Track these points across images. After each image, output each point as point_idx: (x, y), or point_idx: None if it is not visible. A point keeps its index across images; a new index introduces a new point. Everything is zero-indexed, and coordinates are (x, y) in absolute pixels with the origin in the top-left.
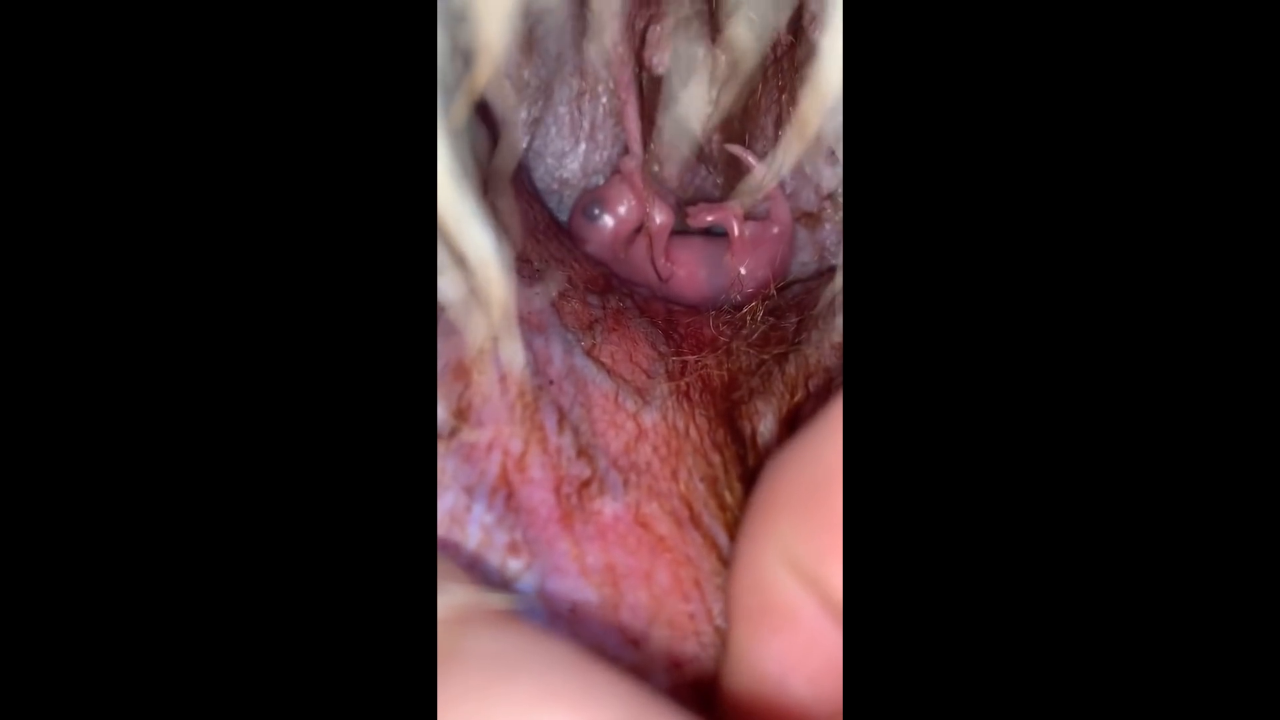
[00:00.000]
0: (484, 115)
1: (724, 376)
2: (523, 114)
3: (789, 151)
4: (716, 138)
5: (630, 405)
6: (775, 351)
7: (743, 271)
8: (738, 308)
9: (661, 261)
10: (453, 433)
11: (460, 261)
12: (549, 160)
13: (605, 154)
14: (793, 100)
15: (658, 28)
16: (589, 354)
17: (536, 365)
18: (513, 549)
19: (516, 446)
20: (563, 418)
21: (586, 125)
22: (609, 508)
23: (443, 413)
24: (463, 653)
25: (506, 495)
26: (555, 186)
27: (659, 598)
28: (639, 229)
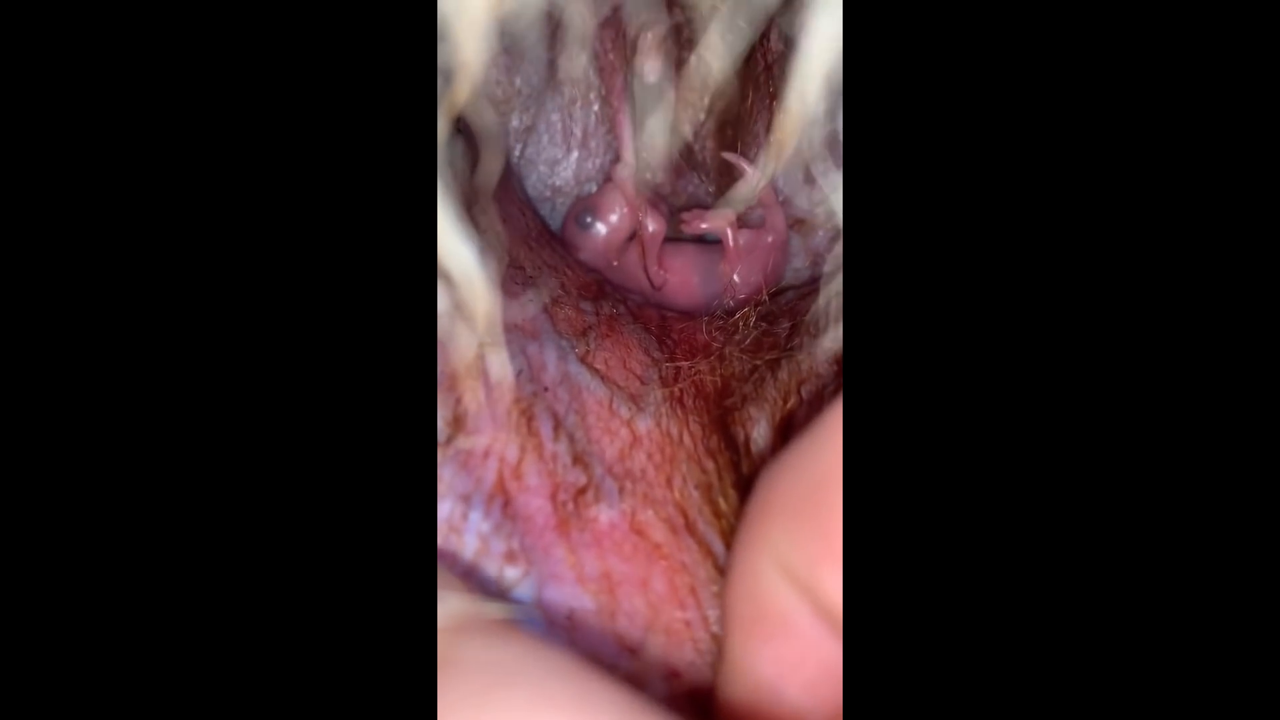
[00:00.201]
0: (466, 131)
1: (717, 382)
2: (514, 122)
3: (767, 168)
4: (709, 144)
5: (624, 412)
6: (768, 357)
7: (736, 279)
8: (730, 313)
9: (654, 269)
10: (448, 440)
11: (444, 276)
12: (541, 168)
13: (598, 161)
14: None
15: (649, 35)
16: (583, 361)
17: (531, 372)
18: (510, 557)
19: (513, 454)
20: (558, 425)
21: (579, 133)
22: (605, 515)
23: (438, 421)
24: (460, 661)
25: (503, 503)
26: (548, 194)
27: (655, 605)
28: (632, 236)
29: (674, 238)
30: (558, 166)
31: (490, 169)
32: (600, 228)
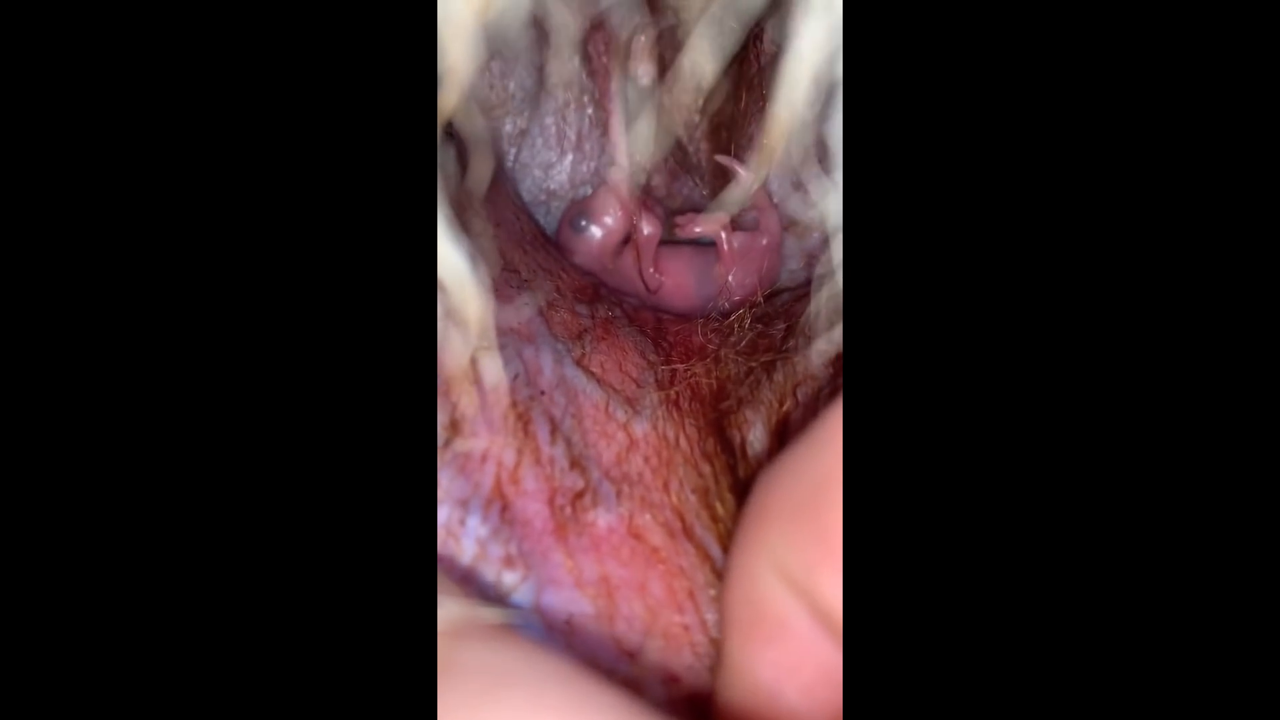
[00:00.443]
0: (456, 136)
1: (713, 385)
2: (508, 126)
3: (758, 172)
4: (703, 146)
5: (621, 415)
6: (763, 359)
7: (731, 281)
8: (726, 316)
9: (650, 272)
10: (446, 444)
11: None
12: (536, 172)
13: (592, 165)
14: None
15: (641, 39)
16: (579, 364)
17: (527, 376)
18: (508, 562)
19: (510, 458)
20: (555, 428)
21: (573, 136)
22: (602, 519)
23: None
24: (458, 667)
25: (501, 508)
26: (543, 198)
27: (653, 609)
28: (627, 239)
29: (669, 240)
30: (552, 170)
31: (480, 174)
32: (595, 231)
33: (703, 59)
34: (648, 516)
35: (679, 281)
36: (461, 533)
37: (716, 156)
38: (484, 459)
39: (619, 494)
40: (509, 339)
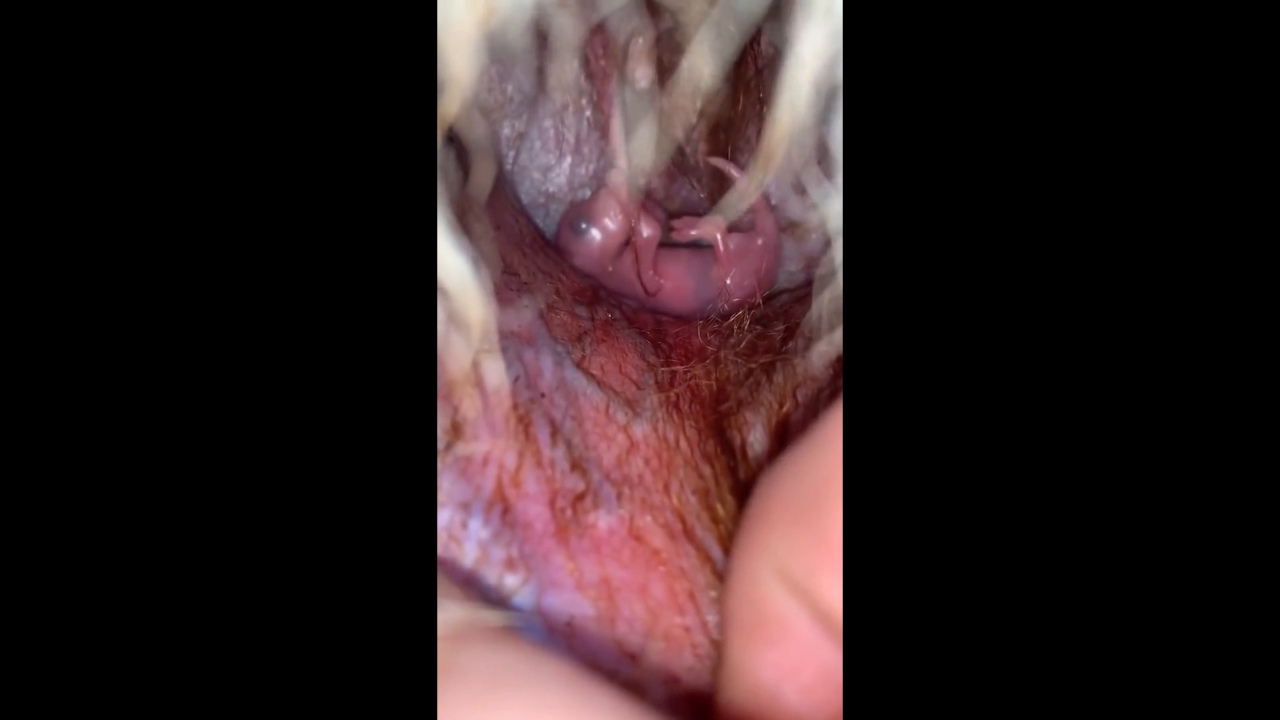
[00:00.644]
0: (458, 142)
1: (712, 386)
2: (506, 129)
3: (757, 178)
4: (701, 149)
5: (621, 417)
6: (762, 360)
7: (729, 283)
8: (725, 317)
9: (649, 274)
10: (447, 447)
11: (438, 287)
12: (535, 174)
13: (591, 167)
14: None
15: (639, 41)
16: (579, 366)
17: (528, 378)
18: (509, 565)
19: (511, 461)
20: (555, 431)
21: (571, 139)
22: (603, 521)
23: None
24: (459, 669)
25: (502, 510)
26: (542, 200)
27: (654, 611)
28: (626, 242)
29: (668, 243)
30: (551, 173)
31: (482, 180)
32: (594, 234)
33: (702, 63)
34: (648, 518)
35: (678, 284)
36: (463, 536)
37: (712, 159)
38: (485, 462)
39: (620, 496)
40: (509, 342)
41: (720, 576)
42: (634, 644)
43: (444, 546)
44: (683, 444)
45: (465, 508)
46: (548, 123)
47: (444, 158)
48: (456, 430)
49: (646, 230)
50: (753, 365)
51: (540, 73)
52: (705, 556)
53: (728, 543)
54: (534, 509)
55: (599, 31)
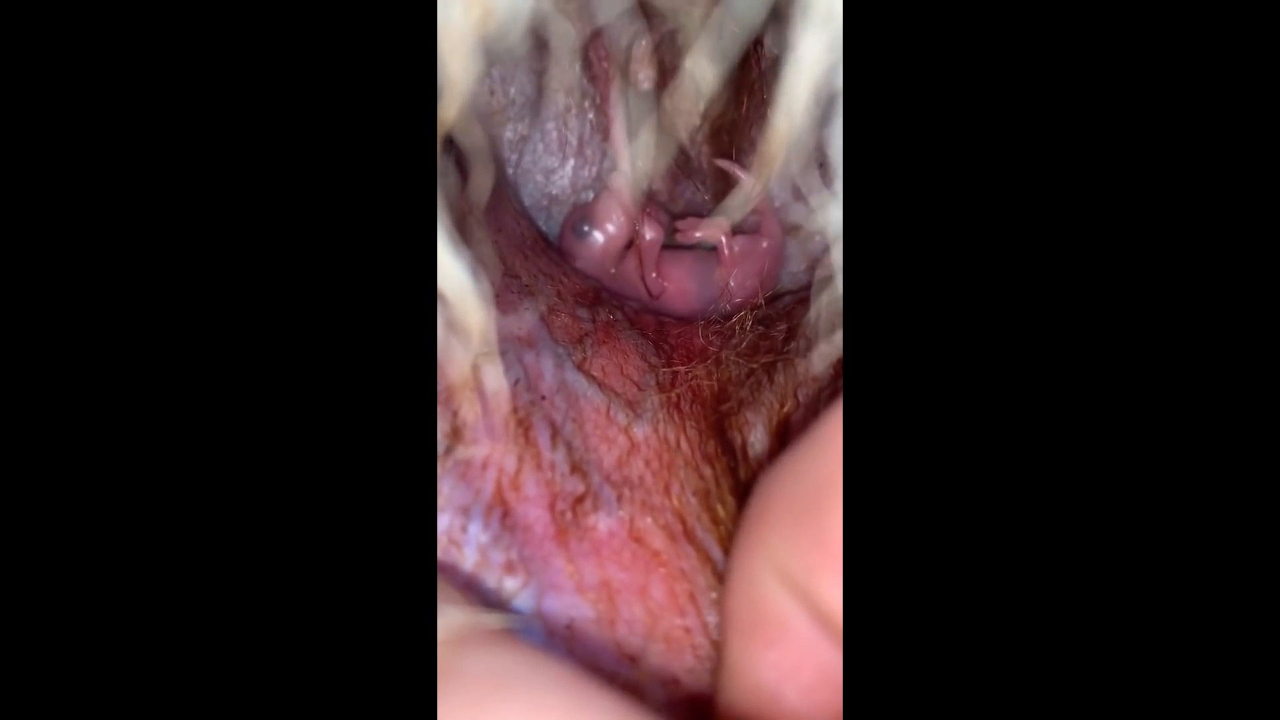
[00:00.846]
0: (456, 148)
1: (714, 387)
2: (508, 132)
3: (758, 182)
4: (704, 150)
5: (622, 419)
6: (764, 361)
7: (731, 284)
8: (727, 318)
9: (652, 277)
10: (447, 451)
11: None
12: (537, 177)
13: (593, 169)
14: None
15: (641, 43)
16: (580, 368)
17: (528, 381)
18: (509, 568)
19: (511, 464)
20: (555, 433)
21: (574, 141)
22: (603, 523)
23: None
24: (460, 672)
25: (502, 514)
26: (544, 203)
27: (654, 613)
28: (629, 244)
29: (671, 245)
30: (553, 175)
31: (481, 186)
32: (597, 236)
33: (704, 69)
34: (649, 520)
35: (681, 286)
36: (463, 540)
37: (717, 161)
38: (485, 466)
39: (620, 498)
40: (510, 344)
41: (721, 577)
42: (634, 646)
43: (444, 550)
44: (683, 445)
45: (465, 512)
46: (550, 125)
47: (442, 163)
48: (456, 434)
49: (649, 233)
50: (754, 366)
51: (542, 76)
52: (706, 558)
53: (728, 544)
54: (534, 512)
55: (600, 34)
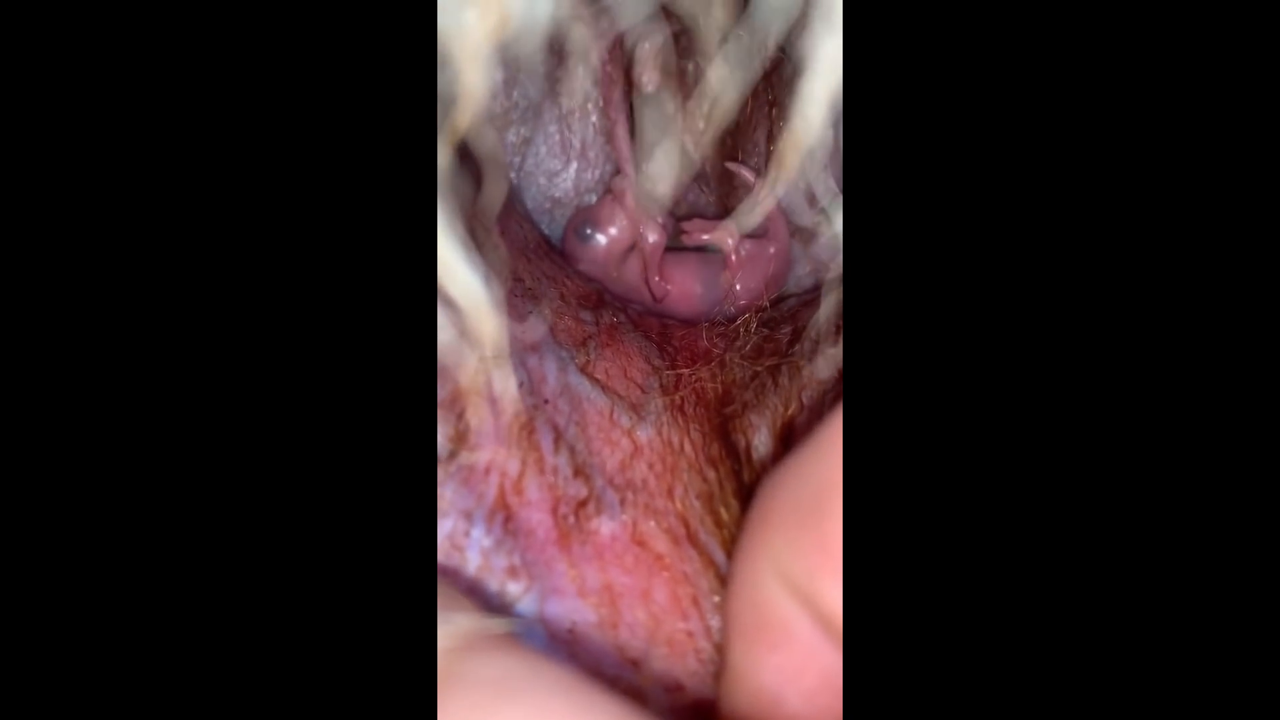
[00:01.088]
0: (467, 157)
1: (718, 389)
2: (511, 135)
3: (772, 189)
4: (709, 153)
5: (625, 421)
6: (768, 363)
7: (737, 286)
8: (731, 320)
9: (655, 280)
10: (451, 455)
11: (449, 301)
12: (541, 179)
13: (597, 172)
14: (783, 115)
15: (646, 45)
16: (583, 371)
17: (531, 384)
18: (512, 572)
19: (514, 468)
20: (558, 437)
21: (577, 144)
22: (606, 527)
23: (440, 438)
24: (462, 677)
25: (505, 518)
26: (547, 206)
27: (657, 616)
28: (632, 247)
29: (675, 246)
30: (556, 178)
31: (494, 194)
32: (600, 239)
33: (727, 78)
34: (651, 523)
35: (685, 289)
36: (466, 544)
37: (727, 164)
38: (488, 470)
39: (622, 501)
40: (513, 347)
41: (723, 581)
42: (637, 650)
43: (447, 555)
44: (687, 448)
45: (468, 516)
46: (553, 128)
47: (456, 171)
48: (461, 439)
49: (652, 236)
50: (758, 368)
51: (548, 79)
52: (709, 561)
53: (732, 547)
54: (536, 516)
55: (619, 41)
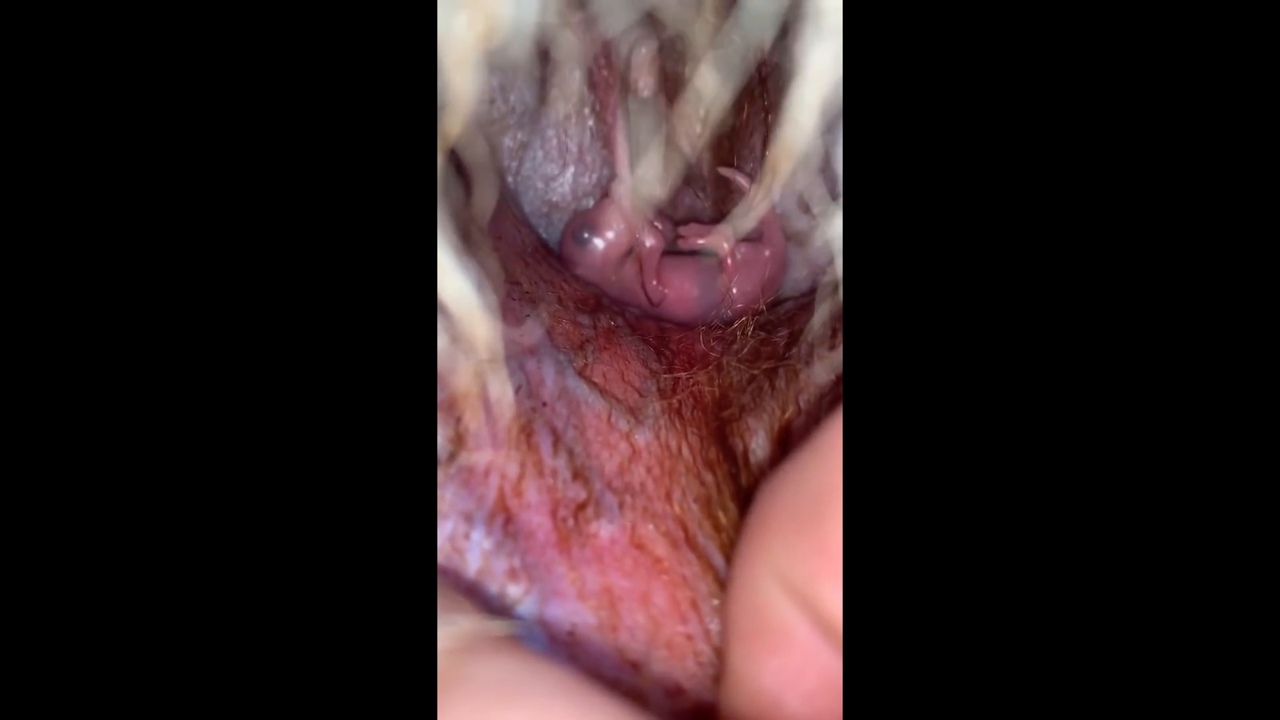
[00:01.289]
0: (460, 162)
1: (715, 393)
2: (508, 140)
3: (767, 194)
4: (705, 157)
5: (623, 425)
6: (765, 366)
7: (734, 290)
8: (728, 323)
9: (653, 284)
10: (451, 457)
11: (442, 309)
12: (538, 184)
13: (594, 176)
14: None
15: (642, 50)
16: (581, 374)
17: (530, 388)
18: (512, 575)
19: (513, 471)
20: (557, 440)
21: (574, 148)
22: (605, 530)
23: (440, 439)
24: (462, 680)
25: (504, 521)
26: (544, 210)
27: (656, 619)
28: (630, 251)
29: (672, 250)
30: (554, 183)
31: (485, 200)
32: (598, 243)
33: (713, 84)
34: (650, 527)
35: (682, 293)
36: (466, 547)
37: (720, 169)
38: (487, 473)
39: (621, 505)
40: (511, 351)
41: (722, 584)
42: (636, 653)
43: (447, 557)
44: (685, 451)
45: (468, 518)
46: (550, 133)
47: (447, 177)
48: (460, 441)
49: (650, 240)
50: (756, 371)
51: (543, 84)
52: (707, 564)
53: (730, 550)
54: (536, 519)
55: (608, 47)
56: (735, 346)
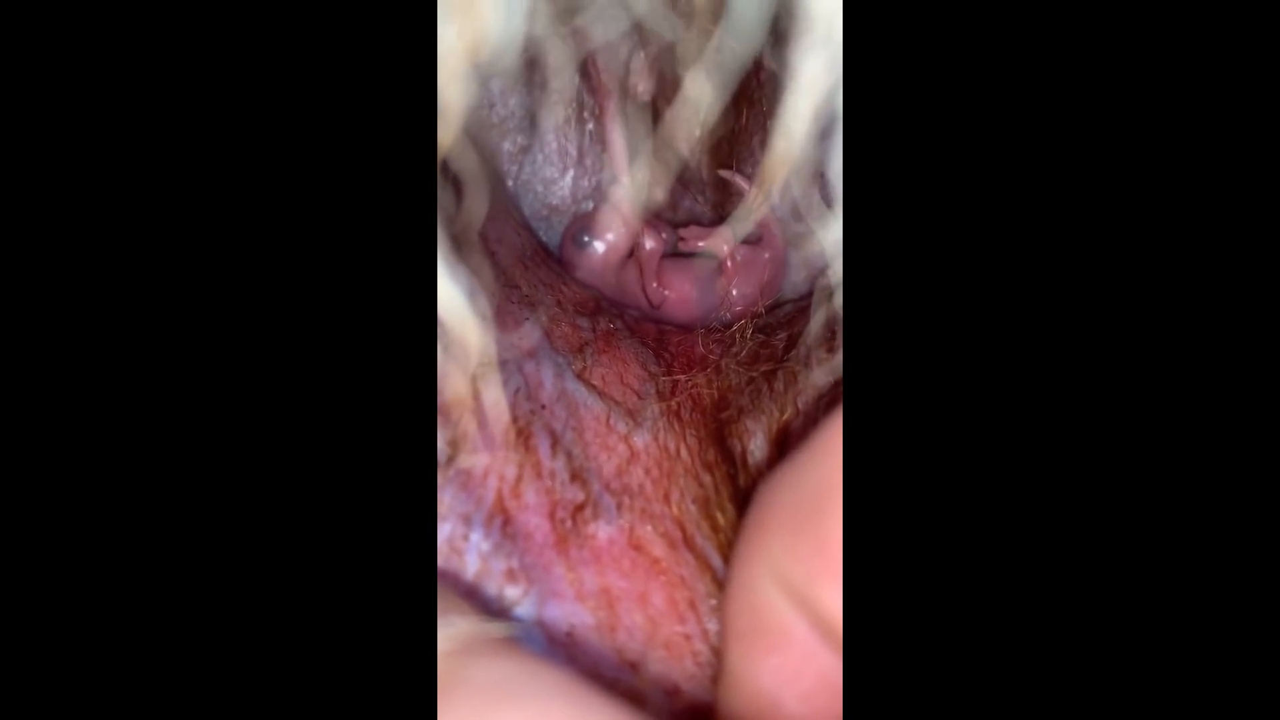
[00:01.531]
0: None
1: (714, 395)
2: (508, 145)
3: (765, 197)
4: (704, 160)
5: (622, 427)
6: (764, 369)
7: (733, 293)
8: (727, 326)
9: (653, 286)
10: (449, 460)
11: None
12: (538, 187)
13: (594, 179)
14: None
15: (640, 55)
16: (580, 377)
17: (528, 390)
18: (510, 576)
19: (511, 473)
20: (556, 442)
21: (574, 152)
22: (603, 531)
23: (439, 441)
24: (461, 681)
25: (503, 522)
26: (544, 213)
27: (654, 620)
28: (629, 254)
29: (671, 253)
30: (553, 186)
31: (475, 210)
32: (597, 246)
33: (705, 90)
34: (648, 528)
35: (681, 296)
36: (465, 548)
37: (720, 171)
38: (486, 474)
39: (619, 506)
40: (510, 354)
41: (720, 585)
42: (634, 653)
43: (446, 559)
44: (683, 453)
45: (466, 520)
46: (550, 137)
47: (440, 187)
48: (457, 445)
49: (649, 243)
50: (754, 374)
51: (542, 88)
52: (705, 565)
53: (728, 551)
54: (534, 520)
55: (595, 55)
56: (734, 349)
